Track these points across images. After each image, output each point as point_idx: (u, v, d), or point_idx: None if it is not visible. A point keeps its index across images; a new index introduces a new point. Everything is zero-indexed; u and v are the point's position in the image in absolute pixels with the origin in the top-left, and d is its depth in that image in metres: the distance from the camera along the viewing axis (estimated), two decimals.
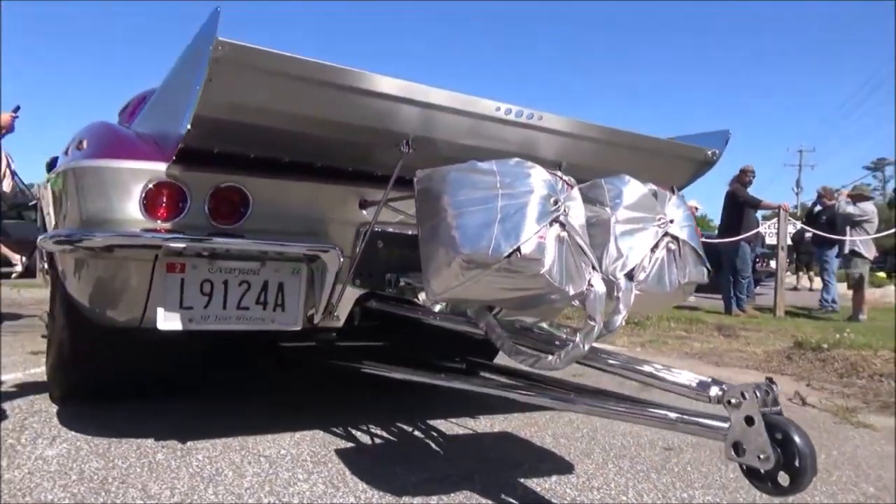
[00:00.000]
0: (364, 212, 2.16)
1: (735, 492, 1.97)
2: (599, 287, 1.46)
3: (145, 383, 2.69)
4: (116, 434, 2.21)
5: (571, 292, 1.43)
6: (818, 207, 8.92)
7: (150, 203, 1.90)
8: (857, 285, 7.65)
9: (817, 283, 13.31)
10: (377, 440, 2.35)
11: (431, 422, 2.59)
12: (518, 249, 1.34)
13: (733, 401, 1.23)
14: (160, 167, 1.90)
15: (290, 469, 1.98)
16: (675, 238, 1.66)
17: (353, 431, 2.41)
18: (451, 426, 2.55)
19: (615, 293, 1.56)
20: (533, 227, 1.37)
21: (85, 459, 1.98)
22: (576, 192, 1.50)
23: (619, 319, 1.56)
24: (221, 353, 3.21)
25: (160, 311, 1.94)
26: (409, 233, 2.25)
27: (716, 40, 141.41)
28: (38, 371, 3.23)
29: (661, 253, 1.63)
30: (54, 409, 2.52)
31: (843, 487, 2.04)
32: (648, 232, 1.63)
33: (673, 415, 1.35)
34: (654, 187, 1.68)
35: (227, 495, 1.77)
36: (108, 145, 2.02)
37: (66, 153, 2.59)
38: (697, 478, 2.08)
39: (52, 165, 3.47)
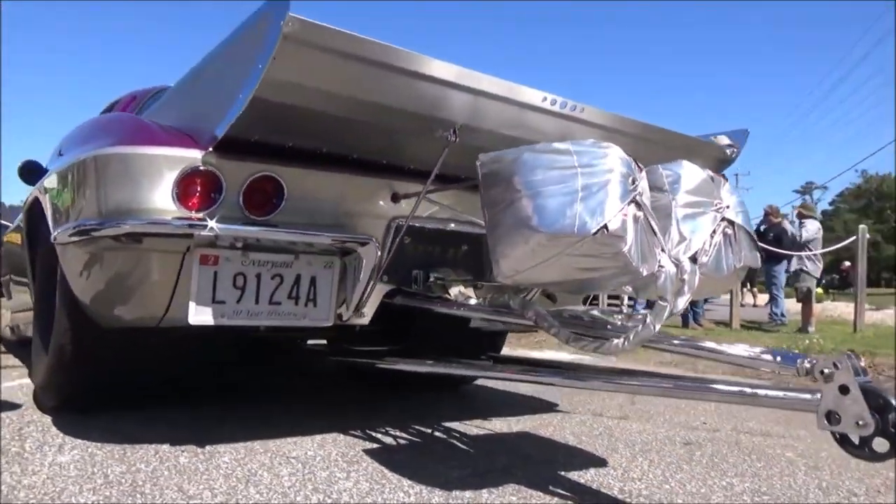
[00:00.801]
0: (387, 204, 2.12)
1: (769, 479, 2.00)
2: (670, 268, 1.48)
3: (150, 384, 2.58)
4: (127, 440, 2.09)
5: (645, 272, 1.44)
6: (765, 225, 9.26)
7: (183, 192, 1.82)
8: (805, 299, 7.99)
9: (761, 299, 13.83)
10: (401, 441, 2.30)
11: (447, 424, 2.55)
12: (605, 227, 1.35)
13: (826, 371, 1.25)
14: (196, 154, 1.82)
15: (326, 468, 1.91)
16: (731, 223, 1.69)
17: (373, 433, 2.35)
18: (467, 427, 2.52)
19: (680, 275, 1.58)
20: (616, 204, 1.37)
21: (104, 464, 1.87)
22: (644, 176, 1.52)
23: (684, 301, 1.57)
24: (228, 354, 3.12)
25: (192, 305, 1.86)
26: (429, 227, 2.23)
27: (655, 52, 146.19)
28: (13, 385, 3.05)
29: (718, 237, 1.66)
30: (48, 419, 2.37)
31: (867, 473, 2.11)
32: (707, 216, 1.66)
33: (760, 391, 1.35)
34: (710, 172, 1.72)
35: (272, 494, 1.70)
36: (136, 133, 1.93)
37: (59, 154, 2.48)
38: (728, 467, 2.11)
39: (26, 169, 3.30)
